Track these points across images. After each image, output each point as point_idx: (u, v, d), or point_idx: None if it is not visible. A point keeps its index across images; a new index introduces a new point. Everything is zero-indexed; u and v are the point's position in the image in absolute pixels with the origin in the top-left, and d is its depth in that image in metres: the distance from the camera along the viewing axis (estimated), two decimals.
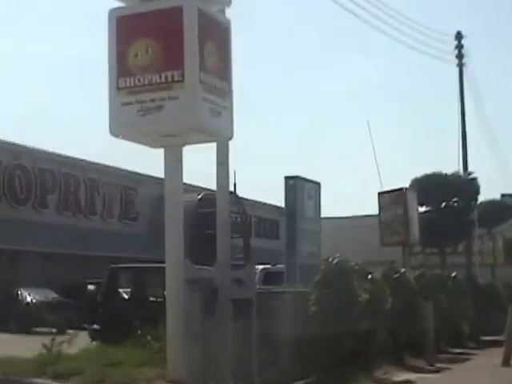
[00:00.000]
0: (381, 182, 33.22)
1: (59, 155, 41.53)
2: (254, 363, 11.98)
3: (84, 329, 23.94)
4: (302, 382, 13.58)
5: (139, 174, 46.72)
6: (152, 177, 46.64)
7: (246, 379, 11.96)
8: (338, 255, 15.65)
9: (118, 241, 41.06)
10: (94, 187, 44.15)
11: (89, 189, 43.83)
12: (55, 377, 13.69)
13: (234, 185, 19.78)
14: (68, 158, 42.24)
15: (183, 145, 13.80)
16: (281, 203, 21.84)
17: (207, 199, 22.54)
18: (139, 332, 15.34)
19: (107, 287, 19.53)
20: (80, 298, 31.25)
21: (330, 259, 15.47)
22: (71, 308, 30.51)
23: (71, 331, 28.89)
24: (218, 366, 11.67)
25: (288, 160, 62.75)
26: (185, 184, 13.58)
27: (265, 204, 54.09)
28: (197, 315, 11.47)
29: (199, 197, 26.05)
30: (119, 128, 13.29)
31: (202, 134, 13.51)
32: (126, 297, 19.90)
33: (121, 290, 20.14)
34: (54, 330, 28.97)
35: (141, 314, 16.79)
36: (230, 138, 14.02)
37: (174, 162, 13.54)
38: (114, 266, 20.11)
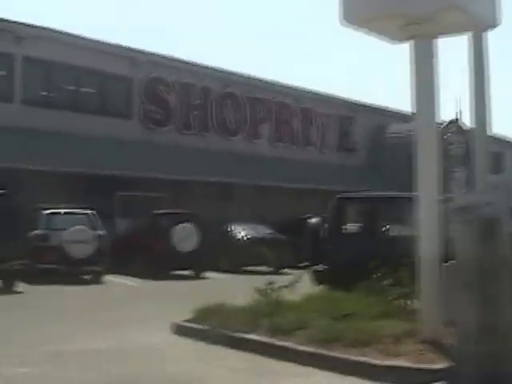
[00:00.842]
0: None
1: (271, 83, 38.92)
2: None
3: (300, 268, 21.34)
4: None
5: (356, 103, 43.54)
6: (369, 105, 43.83)
7: None
8: None
9: (334, 173, 38.09)
10: (308, 117, 41.25)
11: (303, 119, 40.93)
12: (273, 331, 10.83)
13: (458, 113, 16.09)
14: (281, 85, 39.51)
15: (433, 35, 10.33)
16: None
17: None
18: (375, 275, 12.20)
19: (333, 221, 16.41)
20: (296, 234, 28.92)
21: None
22: (287, 245, 27.85)
23: (286, 271, 27.25)
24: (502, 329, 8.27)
25: None
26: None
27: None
28: (469, 255, 8.13)
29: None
30: (354, 13, 10.09)
31: (458, 14, 9.99)
32: (355, 232, 16.77)
33: (349, 225, 17.02)
34: (268, 269, 27.02)
35: (375, 253, 13.60)
36: (495, 26, 10.85)
37: (424, 59, 10.15)
38: (340, 196, 16.96)
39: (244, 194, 33.52)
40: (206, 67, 35.83)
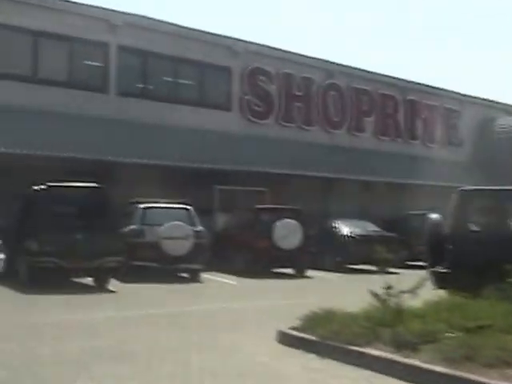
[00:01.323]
0: None
1: (375, 74, 37.15)
2: None
3: (409, 268, 19.63)
4: None
5: (463, 95, 41.41)
6: (477, 98, 41.65)
7: None
8: None
9: (439, 168, 35.95)
10: (413, 109, 39.22)
11: (408, 111, 38.92)
12: (396, 345, 9.19)
13: None
14: (385, 76, 37.66)
15: None
16: None
17: None
18: (508, 279, 10.47)
19: (456, 217, 14.55)
20: (401, 231, 27.49)
21: None
22: (395, 243, 26.02)
23: (394, 270, 25.47)
24: None
25: None
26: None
27: None
28: None
29: None
30: None
31: None
32: (483, 229, 14.87)
33: (475, 221, 15.14)
34: (374, 268, 25.28)
35: (506, 254, 11.82)
36: None
37: None
38: (465, 189, 15.09)
39: (347, 189, 31.81)
40: (308, 57, 34.34)
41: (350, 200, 31.42)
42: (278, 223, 23.58)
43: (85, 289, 18.32)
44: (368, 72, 36.81)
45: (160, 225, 21.33)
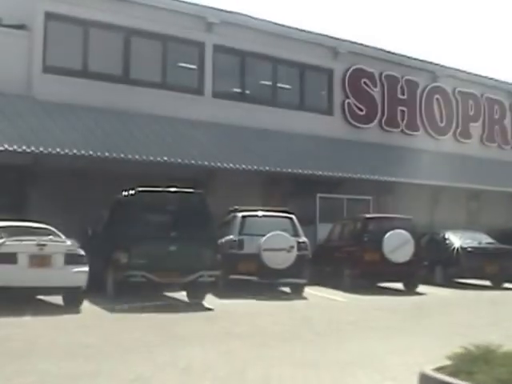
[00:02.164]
0: None
1: (481, 76, 34.18)
2: None
3: None
4: None
5: None
6: None
7: None
8: None
9: None
10: None
11: None
12: None
13: None
14: (491, 80, 34.61)
15: None
16: None
17: None
18: None
19: None
20: None
21: None
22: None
23: (508, 286, 22.75)
24: None
25: None
26: None
27: None
28: None
29: None
30: None
31: None
32: None
33: None
34: (487, 284, 22.99)
35: None
36: None
37: None
38: None
39: (454, 198, 28.95)
40: (412, 58, 31.52)
41: (457, 209, 28.81)
42: (389, 234, 20.80)
43: (178, 306, 15.98)
44: (474, 75, 33.79)
45: (261, 235, 18.85)
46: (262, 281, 18.73)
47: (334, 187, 25.63)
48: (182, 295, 16.91)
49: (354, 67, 29.22)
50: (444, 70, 32.61)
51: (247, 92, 26.72)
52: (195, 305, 16.11)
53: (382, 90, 30.19)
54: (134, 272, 15.40)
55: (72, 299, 14.93)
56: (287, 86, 28.15)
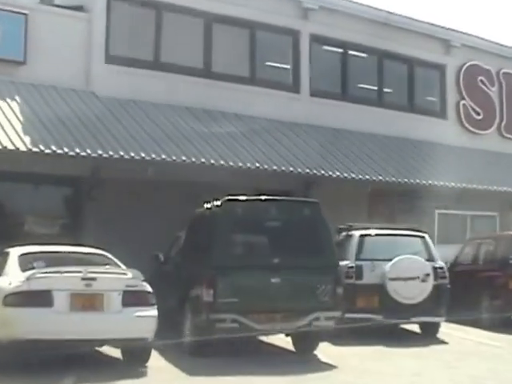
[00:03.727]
0: None
1: None
2: None
3: None
4: None
5: None
6: None
7: None
8: None
9: None
10: None
11: None
12: None
13: None
14: None
15: None
16: None
17: None
18: None
19: None
20: None
21: None
22: None
23: None
24: None
25: None
26: None
27: None
28: None
29: None
30: None
31: None
32: None
33: None
34: None
35: None
36: None
37: None
38: None
39: None
40: None
41: None
42: None
43: (281, 362, 10.85)
44: None
45: (385, 260, 13.60)
46: (387, 320, 13.43)
47: (455, 201, 20.32)
48: (282, 339, 11.84)
49: (469, 63, 23.85)
50: None
51: (348, 90, 21.58)
52: (308, 360, 10.95)
53: (499, 91, 24.74)
54: (221, 315, 10.34)
55: (134, 355, 9.93)
56: (394, 83, 22.93)
